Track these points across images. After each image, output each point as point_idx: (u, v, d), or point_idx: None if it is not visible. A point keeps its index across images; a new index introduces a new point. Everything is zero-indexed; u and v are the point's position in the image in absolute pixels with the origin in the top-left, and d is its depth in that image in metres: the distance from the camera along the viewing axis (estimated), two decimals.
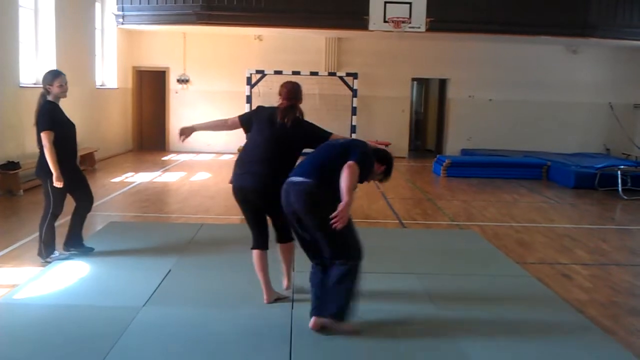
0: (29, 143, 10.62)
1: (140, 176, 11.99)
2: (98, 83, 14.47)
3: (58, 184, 5.64)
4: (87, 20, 13.69)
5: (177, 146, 16.89)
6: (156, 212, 8.72)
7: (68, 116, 6.02)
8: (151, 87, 17.23)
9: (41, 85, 5.90)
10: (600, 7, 14.78)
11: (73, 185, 5.95)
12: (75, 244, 6.14)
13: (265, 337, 4.30)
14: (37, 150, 5.82)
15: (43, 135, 5.64)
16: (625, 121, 17.35)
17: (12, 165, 9.52)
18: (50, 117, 5.70)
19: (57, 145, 5.68)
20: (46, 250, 5.89)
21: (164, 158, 15.37)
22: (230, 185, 4.80)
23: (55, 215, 5.92)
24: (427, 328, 4.52)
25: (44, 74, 5.96)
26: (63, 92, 5.85)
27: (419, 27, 13.91)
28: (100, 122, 14.35)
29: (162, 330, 4.37)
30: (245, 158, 4.77)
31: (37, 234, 5.96)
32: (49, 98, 5.81)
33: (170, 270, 5.70)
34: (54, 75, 5.86)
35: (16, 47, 10.34)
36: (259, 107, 5.01)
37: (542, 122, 17.32)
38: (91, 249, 6.20)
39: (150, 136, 17.36)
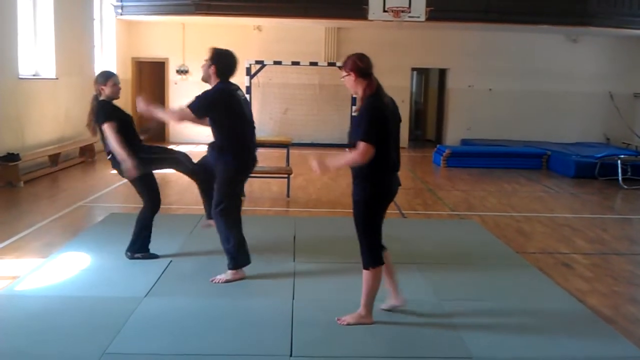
0: (28, 135, 10.63)
1: None
2: (97, 74, 14.41)
3: (133, 171, 5.33)
4: (85, 11, 13.63)
5: (177, 137, 16.89)
6: None
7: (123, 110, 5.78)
8: (150, 78, 17.18)
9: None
10: None
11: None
12: (142, 248, 5.85)
13: (267, 327, 4.31)
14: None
15: (105, 127, 5.38)
16: (625, 110, 17.32)
17: (12, 157, 9.52)
18: (106, 110, 5.49)
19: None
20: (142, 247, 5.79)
21: None
22: None
23: (155, 211, 5.77)
24: (427, 318, 4.52)
25: (96, 75, 5.73)
26: (117, 93, 5.64)
27: (418, 17, 13.85)
28: None
29: (163, 321, 4.38)
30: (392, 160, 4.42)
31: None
32: (102, 98, 5.61)
33: (171, 261, 5.71)
34: (105, 77, 5.64)
35: (15, 38, 10.30)
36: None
37: (542, 112, 17.30)
38: (156, 256, 5.86)
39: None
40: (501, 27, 15.70)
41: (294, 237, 6.71)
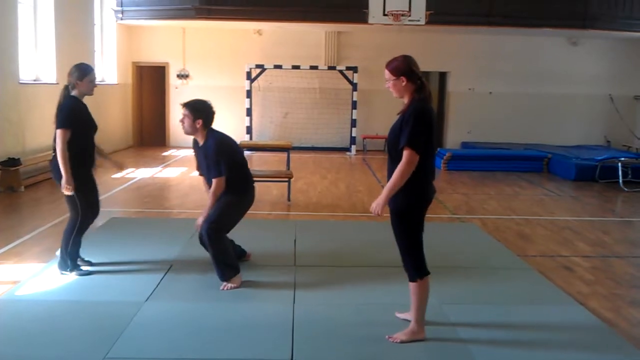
0: (29, 139, 10.64)
1: (141, 172, 11.99)
2: (98, 79, 14.33)
3: (67, 189, 5.15)
4: (86, 16, 13.66)
5: (177, 141, 16.91)
6: (157, 208, 8.73)
7: (92, 115, 5.58)
8: (151, 82, 17.22)
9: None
10: None
11: (87, 194, 5.43)
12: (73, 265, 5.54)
13: (267, 330, 4.30)
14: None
15: (58, 133, 5.15)
16: (625, 113, 17.33)
17: (13, 162, 9.53)
18: (70, 115, 5.22)
19: (72, 146, 5.18)
20: (72, 263, 5.43)
21: (165, 153, 15.37)
22: None
23: (87, 225, 5.48)
24: (428, 321, 4.51)
25: (71, 67, 5.40)
26: (92, 90, 5.43)
27: (418, 20, 13.89)
28: (100, 118, 14.05)
29: (164, 325, 4.38)
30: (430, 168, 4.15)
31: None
32: (73, 93, 5.34)
33: (171, 266, 5.71)
34: (84, 72, 5.35)
35: (15, 43, 10.32)
36: None
37: (542, 115, 17.32)
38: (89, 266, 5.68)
39: (150, 132, 17.36)
40: (501, 31, 15.72)
41: (295, 241, 6.71)
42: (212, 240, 5.13)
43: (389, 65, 4.08)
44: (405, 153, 3.87)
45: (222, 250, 5.20)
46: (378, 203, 3.95)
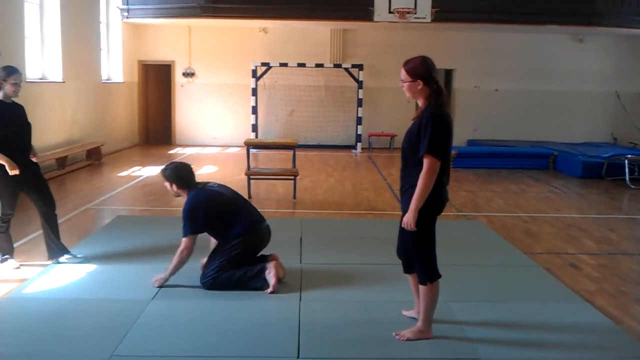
0: (34, 138, 10.58)
1: (147, 170, 12.02)
2: (104, 77, 14.49)
3: (14, 171, 5.22)
4: (92, 14, 13.70)
5: (183, 140, 16.94)
6: (163, 206, 8.73)
7: (26, 115, 5.63)
8: (157, 80, 17.24)
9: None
10: None
11: (27, 190, 5.60)
12: (59, 253, 5.72)
13: (274, 328, 4.31)
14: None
15: None
16: (632, 110, 17.25)
17: None
18: None
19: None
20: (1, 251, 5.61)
21: (170, 152, 15.39)
22: None
23: (4, 219, 5.56)
24: (434, 319, 4.52)
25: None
26: (15, 92, 5.36)
27: (424, 18, 13.88)
28: (106, 117, 14.38)
29: (171, 323, 4.39)
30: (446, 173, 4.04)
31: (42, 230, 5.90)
32: None
33: None
34: (8, 72, 5.32)
35: (22, 42, 10.35)
36: None
37: (548, 112, 17.27)
38: (81, 258, 5.76)
39: (156, 130, 17.39)
40: (507, 28, 15.68)
41: (301, 239, 6.72)
42: (217, 288, 5.03)
43: (406, 65, 3.98)
44: (426, 161, 3.81)
45: (237, 283, 5.07)
46: (409, 218, 3.90)
